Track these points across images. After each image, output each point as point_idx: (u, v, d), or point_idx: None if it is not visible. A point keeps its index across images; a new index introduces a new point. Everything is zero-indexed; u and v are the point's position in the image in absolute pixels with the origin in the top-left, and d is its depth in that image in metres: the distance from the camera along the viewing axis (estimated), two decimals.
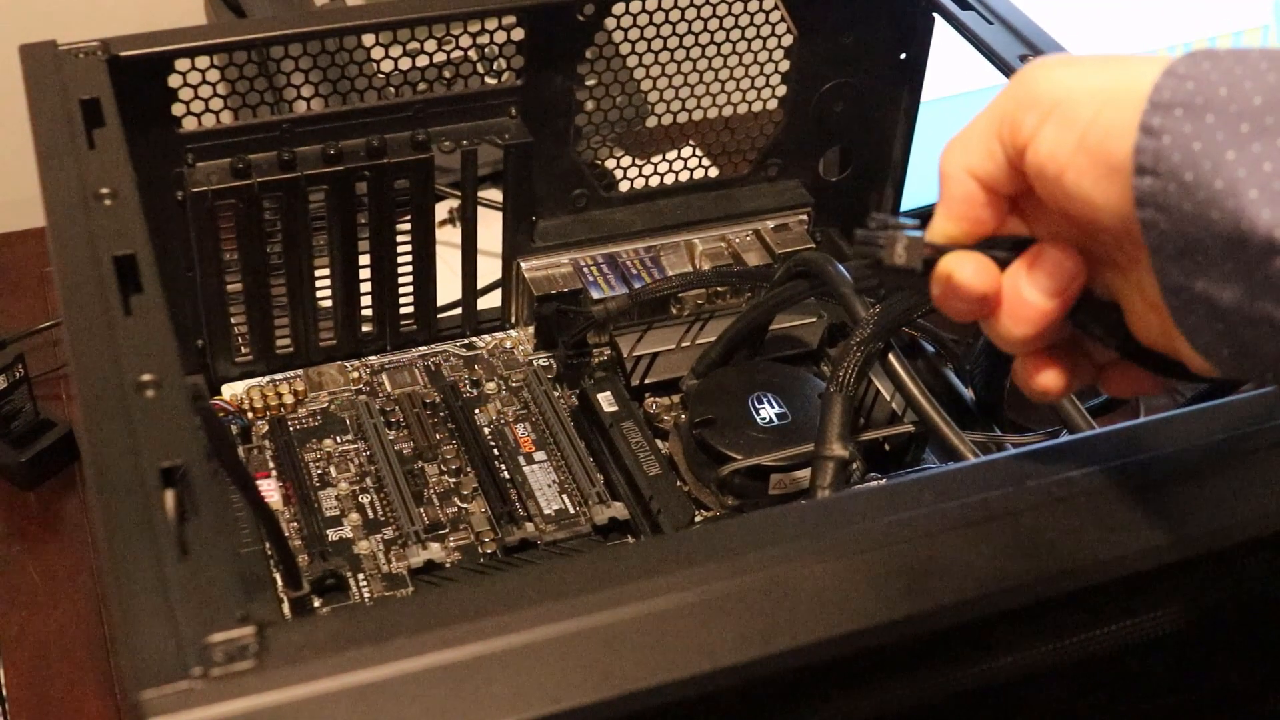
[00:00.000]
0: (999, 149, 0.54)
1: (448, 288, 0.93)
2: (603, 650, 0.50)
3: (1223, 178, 0.47)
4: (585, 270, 0.92)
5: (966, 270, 0.54)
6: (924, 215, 0.57)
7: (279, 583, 0.75)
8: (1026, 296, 0.54)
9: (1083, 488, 0.58)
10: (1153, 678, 0.64)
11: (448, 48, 0.85)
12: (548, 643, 0.50)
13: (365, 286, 0.89)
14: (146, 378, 0.57)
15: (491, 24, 0.85)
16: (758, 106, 0.94)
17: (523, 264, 0.92)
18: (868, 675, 0.55)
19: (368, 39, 0.85)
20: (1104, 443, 0.60)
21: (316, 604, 0.77)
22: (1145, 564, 0.56)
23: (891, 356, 0.78)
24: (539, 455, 0.85)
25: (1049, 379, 0.57)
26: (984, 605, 0.54)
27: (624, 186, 0.96)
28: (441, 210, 1.01)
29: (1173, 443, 0.60)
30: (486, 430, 0.87)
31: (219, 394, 0.88)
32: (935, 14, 0.91)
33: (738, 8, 0.90)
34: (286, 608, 0.75)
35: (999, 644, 0.56)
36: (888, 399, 0.84)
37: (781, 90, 0.94)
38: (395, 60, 0.85)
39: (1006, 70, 0.84)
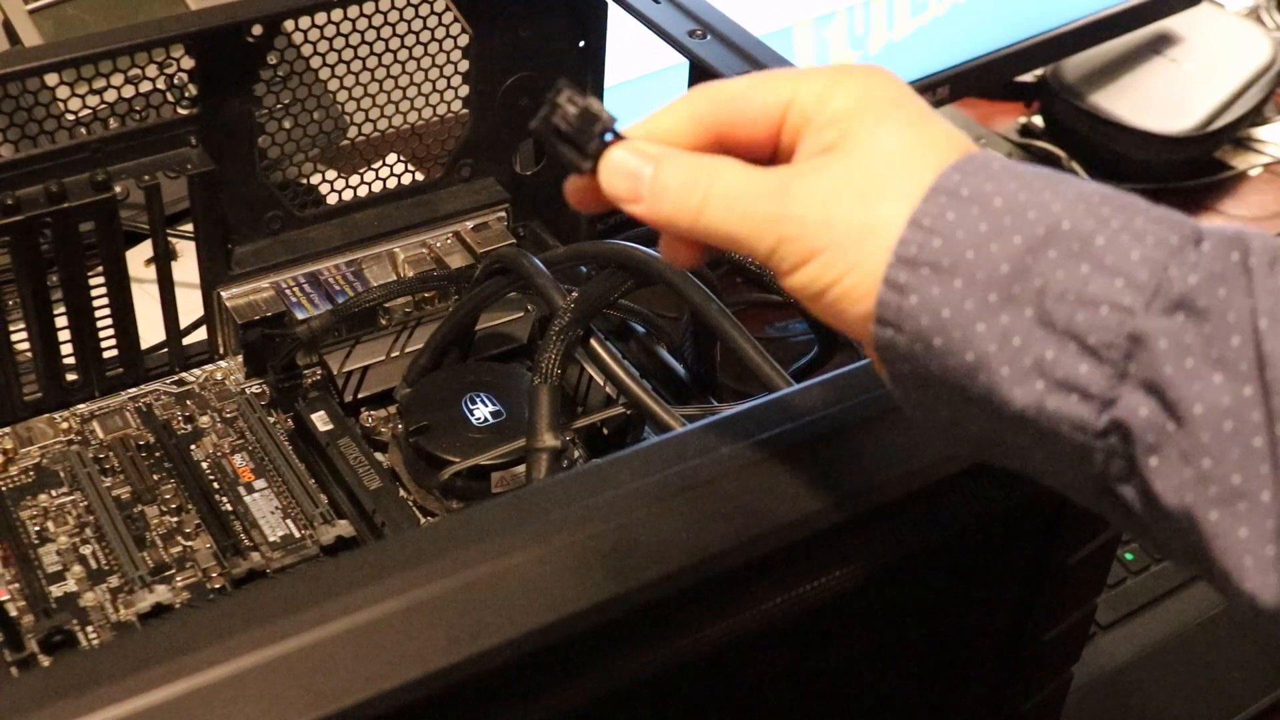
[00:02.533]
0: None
1: (159, 326, 0.91)
2: (312, 670, 0.50)
3: (974, 350, 0.48)
4: (287, 292, 0.91)
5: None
6: None
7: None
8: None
9: (777, 448, 0.59)
10: (855, 628, 0.66)
11: (135, 80, 0.84)
12: (255, 670, 0.50)
13: (65, 335, 0.87)
14: None
15: (160, 55, 0.84)
16: (443, 109, 0.95)
17: (223, 293, 0.90)
18: (584, 659, 0.55)
19: (50, 79, 0.83)
20: (798, 400, 0.62)
21: (46, 664, 0.75)
22: (838, 518, 0.58)
23: (593, 341, 0.79)
24: (259, 483, 0.84)
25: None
26: (686, 577, 0.55)
27: (332, 200, 0.95)
28: (149, 248, 0.99)
29: (863, 392, 0.62)
30: (204, 465, 0.85)
31: None
32: None
33: (409, 13, 0.90)
34: (15, 671, 0.73)
35: (709, 613, 0.57)
36: (601, 384, 0.85)
37: (465, 90, 0.94)
38: (83, 98, 0.84)
39: (680, 48, 0.85)
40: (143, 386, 0.91)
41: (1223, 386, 0.44)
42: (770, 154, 0.55)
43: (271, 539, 0.81)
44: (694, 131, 0.55)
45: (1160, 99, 1.49)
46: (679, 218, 0.53)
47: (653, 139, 0.55)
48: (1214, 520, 0.44)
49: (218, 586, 0.79)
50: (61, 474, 0.85)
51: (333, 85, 0.90)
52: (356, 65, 0.90)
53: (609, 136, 0.54)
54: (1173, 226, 0.48)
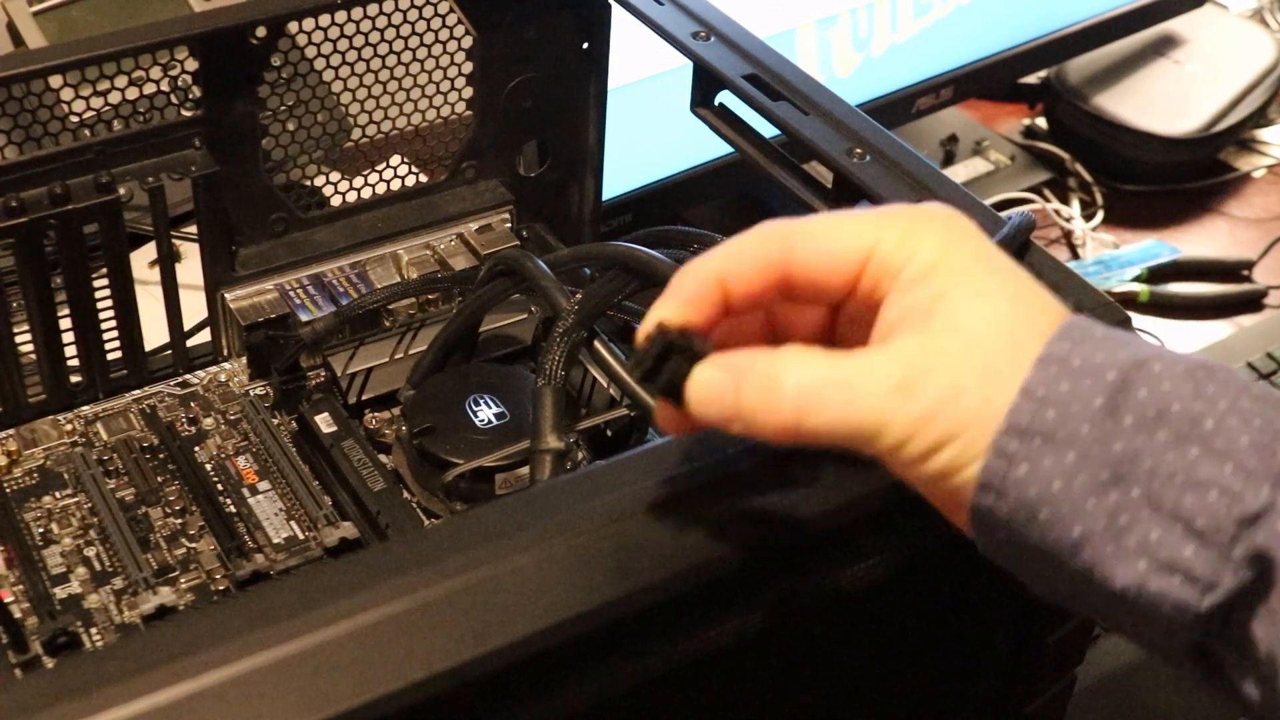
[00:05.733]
0: None
1: (162, 328, 0.91)
2: (315, 672, 0.50)
3: (1081, 525, 0.48)
4: (292, 294, 0.91)
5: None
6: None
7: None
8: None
9: (781, 449, 0.59)
10: (859, 630, 0.66)
11: (139, 82, 0.84)
12: (258, 672, 0.50)
13: (69, 336, 0.87)
14: None
15: (164, 56, 0.84)
16: (446, 111, 0.95)
17: (227, 295, 0.90)
18: (588, 661, 0.55)
19: (54, 81, 0.83)
20: None
21: (50, 665, 0.75)
22: (844, 519, 0.58)
23: (597, 343, 0.79)
24: (263, 485, 0.84)
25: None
26: (690, 578, 0.55)
27: (336, 202, 0.95)
28: (153, 250, 1.00)
29: None
30: (208, 466, 0.86)
31: None
32: (611, 1, 0.92)
33: (413, 15, 0.90)
34: (19, 673, 0.73)
35: (713, 615, 0.57)
36: (605, 386, 0.85)
37: (468, 92, 0.94)
38: (87, 100, 0.84)
39: (684, 50, 0.85)
40: (146, 388, 0.91)
41: None
42: (843, 298, 0.55)
43: (275, 541, 0.81)
44: (763, 275, 0.54)
45: (1164, 101, 1.50)
46: (781, 433, 0.52)
47: (723, 280, 0.54)
48: None
49: (221, 588, 0.79)
50: (65, 476, 0.85)
51: (336, 87, 0.90)
52: (360, 67, 0.90)
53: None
54: (1276, 406, 0.49)
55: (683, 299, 0.55)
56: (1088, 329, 0.51)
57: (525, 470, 0.80)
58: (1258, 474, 0.47)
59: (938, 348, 0.51)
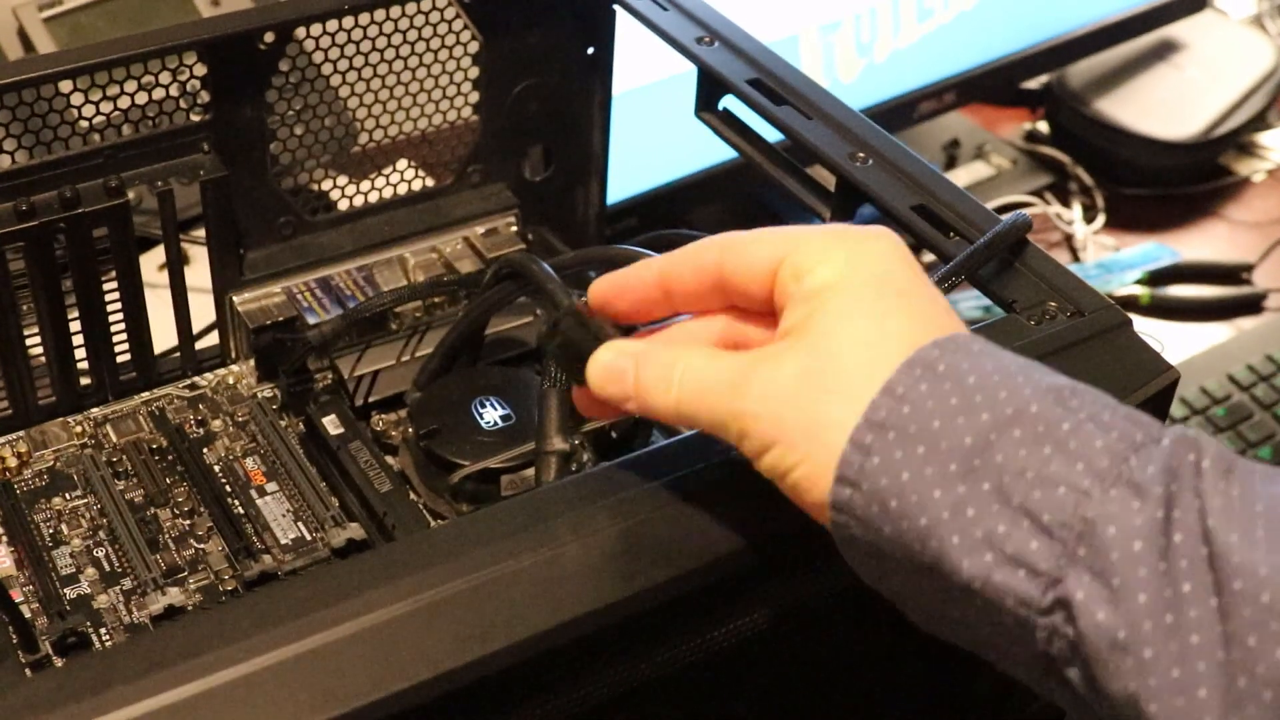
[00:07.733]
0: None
1: (171, 330, 0.92)
2: (322, 671, 0.51)
3: (928, 515, 0.49)
4: (299, 297, 0.92)
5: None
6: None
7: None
8: None
9: None
10: (860, 632, 0.66)
11: (149, 87, 0.85)
12: (266, 671, 0.51)
13: (78, 339, 0.88)
14: None
15: (173, 62, 0.85)
16: (453, 116, 0.95)
17: (235, 298, 0.91)
18: (592, 661, 0.56)
19: (64, 86, 0.84)
20: None
21: (60, 665, 0.76)
22: None
23: None
24: (271, 486, 0.85)
25: None
26: (694, 579, 0.55)
27: (343, 206, 0.96)
28: (162, 253, 1.00)
29: None
30: (216, 468, 0.86)
31: None
32: (615, 6, 0.93)
33: (419, 20, 0.91)
34: (29, 673, 0.74)
35: (716, 616, 0.58)
36: None
37: (474, 97, 0.95)
38: (97, 105, 0.84)
39: (688, 55, 0.86)
40: (155, 390, 0.92)
41: (1165, 577, 0.45)
42: (768, 307, 0.57)
43: (283, 541, 0.81)
44: (698, 277, 0.58)
45: (1164, 105, 1.50)
46: (663, 411, 0.56)
47: (664, 280, 0.58)
48: (1153, 712, 0.45)
49: (230, 589, 0.79)
50: (75, 477, 0.86)
51: (344, 92, 0.91)
52: (368, 72, 0.91)
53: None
54: (1137, 423, 0.49)
55: (613, 281, 0.60)
56: (967, 342, 0.52)
57: (530, 472, 0.81)
58: (1108, 477, 0.47)
59: (781, 361, 0.53)
